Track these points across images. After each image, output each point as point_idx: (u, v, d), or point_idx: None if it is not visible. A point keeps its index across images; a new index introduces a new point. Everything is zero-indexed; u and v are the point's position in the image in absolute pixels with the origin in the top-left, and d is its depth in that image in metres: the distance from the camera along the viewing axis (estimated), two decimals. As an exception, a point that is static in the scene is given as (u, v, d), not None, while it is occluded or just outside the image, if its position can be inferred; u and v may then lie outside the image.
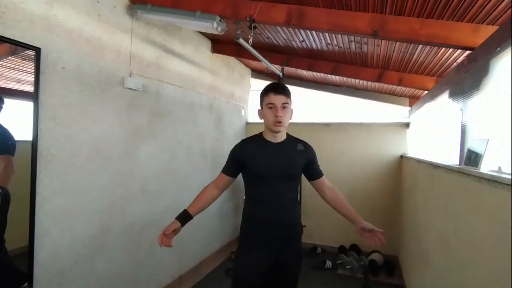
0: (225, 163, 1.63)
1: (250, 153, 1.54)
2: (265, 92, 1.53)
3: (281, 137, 1.58)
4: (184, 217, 1.51)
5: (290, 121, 1.57)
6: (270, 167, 1.50)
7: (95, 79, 1.96)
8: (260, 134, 1.62)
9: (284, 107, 1.49)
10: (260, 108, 1.59)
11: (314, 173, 1.66)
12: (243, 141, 1.63)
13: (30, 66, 1.57)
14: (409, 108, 3.94)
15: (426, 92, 3.06)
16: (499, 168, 1.24)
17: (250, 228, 1.58)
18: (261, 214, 1.53)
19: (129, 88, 2.22)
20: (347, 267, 3.48)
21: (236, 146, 1.62)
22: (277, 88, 1.51)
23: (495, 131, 1.36)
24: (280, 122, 1.48)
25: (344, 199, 1.65)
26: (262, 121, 1.59)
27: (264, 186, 1.52)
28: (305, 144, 1.65)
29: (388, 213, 3.82)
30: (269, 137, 1.57)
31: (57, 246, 1.76)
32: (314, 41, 2.74)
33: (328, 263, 3.53)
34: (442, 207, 1.76)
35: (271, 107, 1.49)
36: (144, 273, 2.46)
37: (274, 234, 1.52)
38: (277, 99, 1.48)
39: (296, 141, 1.65)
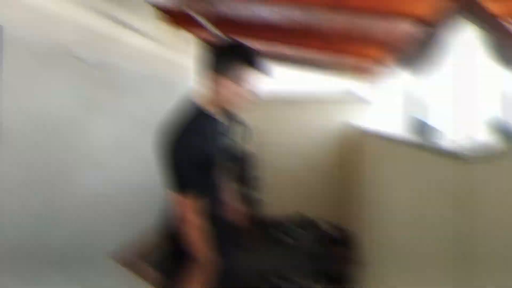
0: None
1: None
2: None
3: None
4: None
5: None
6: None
7: (49, 52, 1.91)
8: None
9: None
10: None
11: None
12: None
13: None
14: (363, 82, 3.96)
15: (378, 65, 3.08)
16: (453, 141, 1.27)
17: None
18: None
19: (83, 61, 2.13)
20: (299, 239, 3.39)
21: None
22: None
23: (449, 104, 1.39)
24: None
25: None
26: None
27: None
28: None
29: (341, 187, 3.71)
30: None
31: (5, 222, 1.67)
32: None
33: (280, 235, 3.43)
34: (396, 180, 1.80)
35: None
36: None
37: None
38: None
39: None
